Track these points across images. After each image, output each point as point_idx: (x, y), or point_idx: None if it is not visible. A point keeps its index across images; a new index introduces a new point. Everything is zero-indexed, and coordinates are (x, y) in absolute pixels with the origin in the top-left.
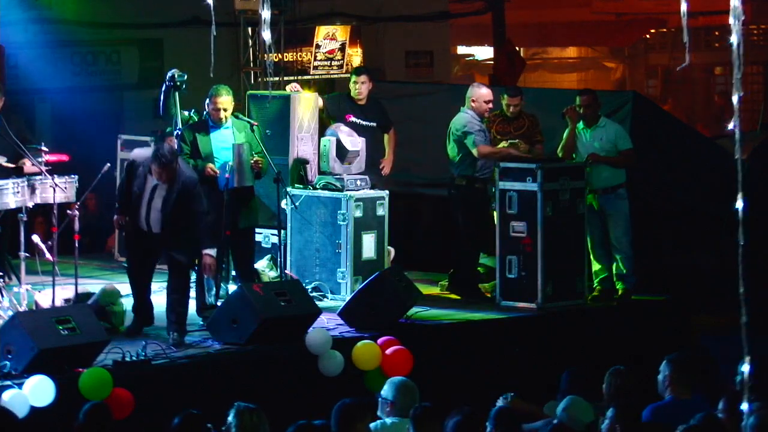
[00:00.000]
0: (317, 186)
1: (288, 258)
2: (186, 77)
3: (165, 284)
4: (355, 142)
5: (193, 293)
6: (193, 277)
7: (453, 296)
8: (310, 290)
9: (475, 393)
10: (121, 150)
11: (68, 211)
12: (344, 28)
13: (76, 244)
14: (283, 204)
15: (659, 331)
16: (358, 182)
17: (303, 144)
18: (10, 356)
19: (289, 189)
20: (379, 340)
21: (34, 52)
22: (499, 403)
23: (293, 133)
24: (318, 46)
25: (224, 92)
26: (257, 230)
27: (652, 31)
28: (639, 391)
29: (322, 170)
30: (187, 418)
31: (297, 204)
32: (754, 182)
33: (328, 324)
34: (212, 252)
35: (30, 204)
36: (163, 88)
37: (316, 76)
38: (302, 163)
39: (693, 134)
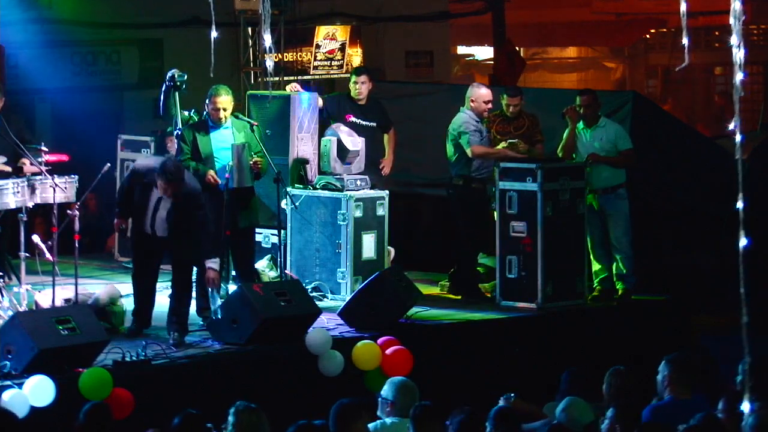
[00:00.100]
0: (317, 186)
1: (288, 258)
2: (186, 77)
3: (167, 284)
4: (355, 142)
5: (193, 293)
6: (194, 277)
7: (453, 296)
8: (310, 290)
9: (475, 393)
10: (121, 150)
11: (68, 211)
12: (344, 28)
13: (76, 244)
14: (283, 204)
15: (659, 331)
16: (358, 182)
17: (303, 144)
18: (10, 356)
19: (289, 189)
20: (379, 340)
21: (34, 52)
22: (500, 403)
23: (293, 133)
24: (318, 46)
25: (223, 92)
26: (257, 230)
27: (652, 31)
28: (639, 391)
29: (322, 170)
30: (187, 418)
31: (297, 204)
32: (754, 182)
33: (328, 324)
34: (215, 265)
35: (30, 204)
36: (163, 88)
37: (316, 76)
38: (302, 163)
39: (693, 134)
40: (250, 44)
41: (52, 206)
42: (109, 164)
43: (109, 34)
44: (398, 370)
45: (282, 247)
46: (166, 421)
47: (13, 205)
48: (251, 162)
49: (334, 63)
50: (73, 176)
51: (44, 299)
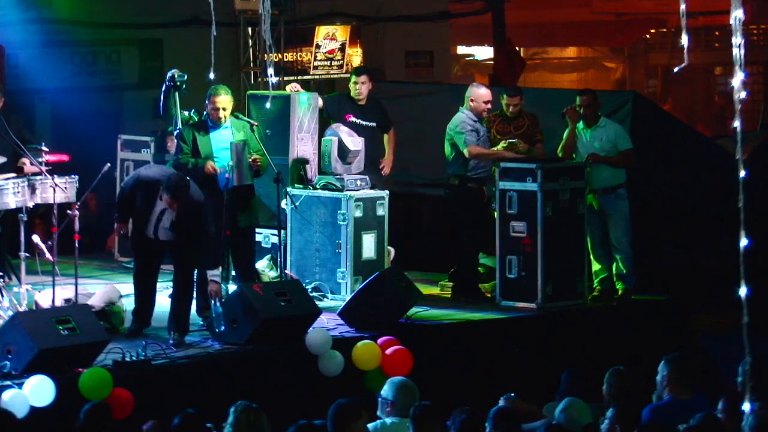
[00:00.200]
0: (317, 186)
1: (288, 258)
2: (186, 77)
3: (168, 284)
4: (356, 142)
5: (193, 293)
6: (195, 277)
7: (453, 298)
8: (310, 290)
9: (475, 393)
10: (121, 150)
11: (68, 211)
12: (344, 28)
13: (76, 244)
14: (283, 204)
15: (659, 331)
16: (358, 182)
17: (303, 144)
18: (10, 356)
19: (289, 189)
20: (379, 340)
21: (34, 52)
22: (501, 403)
23: (293, 133)
24: (318, 46)
25: (223, 92)
26: (257, 230)
27: (652, 31)
28: (639, 391)
29: (323, 170)
30: (186, 418)
31: (297, 204)
32: (754, 182)
33: (328, 324)
34: (217, 277)
35: (30, 204)
36: (163, 88)
37: (316, 76)
38: (302, 163)
39: (693, 134)
40: (250, 44)
41: (52, 206)
42: (109, 164)
43: (109, 34)
44: (398, 370)
45: (282, 247)
46: (166, 421)
47: (13, 205)
48: (250, 160)
49: (334, 63)
50: (73, 176)
51: (44, 299)
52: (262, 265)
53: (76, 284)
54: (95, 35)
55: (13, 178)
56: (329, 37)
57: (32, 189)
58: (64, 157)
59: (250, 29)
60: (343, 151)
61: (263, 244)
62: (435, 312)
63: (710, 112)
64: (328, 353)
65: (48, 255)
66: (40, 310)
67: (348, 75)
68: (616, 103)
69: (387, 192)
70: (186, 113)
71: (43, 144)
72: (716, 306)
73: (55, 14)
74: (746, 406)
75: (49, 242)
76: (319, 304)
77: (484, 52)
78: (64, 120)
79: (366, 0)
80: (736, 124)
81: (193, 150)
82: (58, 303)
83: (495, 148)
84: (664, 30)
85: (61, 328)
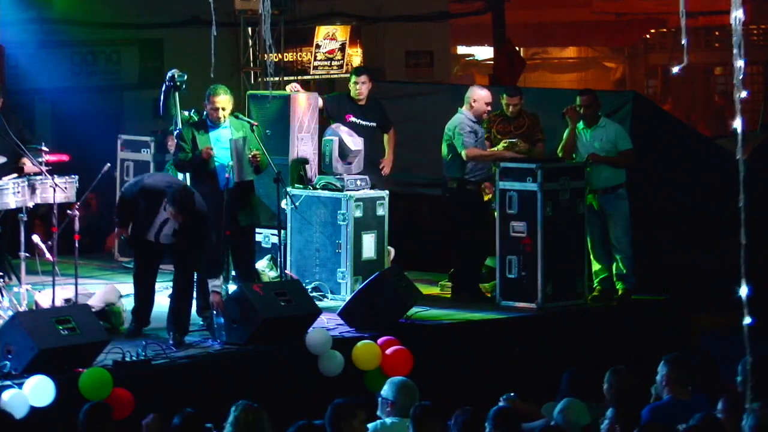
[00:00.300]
0: (317, 186)
1: (288, 258)
2: (186, 77)
3: (167, 284)
4: (356, 142)
5: (193, 293)
6: (195, 277)
7: (453, 296)
8: (310, 290)
9: (475, 393)
10: (121, 150)
11: (68, 211)
12: (344, 28)
13: (76, 244)
14: (283, 204)
15: (659, 331)
16: (358, 182)
17: (303, 144)
18: (10, 356)
19: (289, 189)
20: (379, 340)
21: (34, 52)
22: (500, 403)
23: (293, 133)
24: (318, 46)
25: (222, 92)
26: (257, 230)
27: (652, 31)
28: (639, 391)
29: (322, 170)
30: (186, 418)
31: (297, 204)
32: (754, 182)
33: (328, 324)
34: (219, 288)
35: (30, 204)
36: (163, 88)
37: (316, 76)
38: (302, 163)
39: (693, 134)
40: (250, 44)
41: (52, 206)
42: (109, 164)
43: (109, 34)
44: (398, 370)
45: (282, 247)
46: (166, 421)
47: (13, 205)
48: (250, 156)
49: (334, 63)
50: (73, 176)
51: (44, 299)
52: (262, 265)
53: (76, 284)
54: (95, 35)
55: (14, 178)
56: (329, 37)
57: (32, 189)
58: (64, 157)
59: (250, 29)
60: (344, 151)
61: (263, 244)
62: (435, 312)
63: (710, 112)
64: (328, 353)
65: (48, 255)
66: (40, 310)
67: (348, 75)
68: (616, 103)
69: (387, 192)
70: (186, 113)
71: (43, 144)
72: (716, 306)
73: (55, 14)
74: (746, 406)
75: (49, 242)
76: (319, 304)
77: (484, 52)
78: (64, 120)
79: (366, 0)
80: (737, 124)
81: (193, 149)
82: (58, 303)
83: (495, 148)
84: (664, 30)
85: (61, 328)
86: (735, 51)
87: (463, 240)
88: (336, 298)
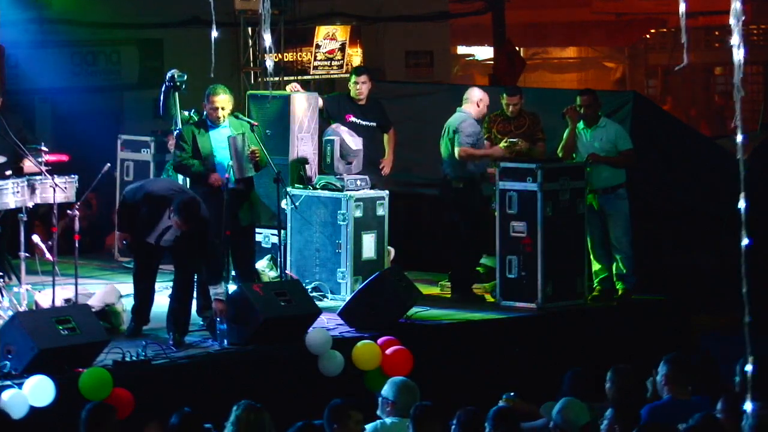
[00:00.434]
0: (317, 186)
1: (288, 258)
2: (186, 77)
3: (167, 284)
4: (357, 142)
5: (193, 293)
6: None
7: (452, 296)
8: (310, 290)
9: (475, 393)
10: (121, 150)
11: (68, 211)
12: (344, 28)
13: (76, 244)
14: (283, 204)
15: (659, 331)
16: (358, 182)
17: (303, 144)
18: (10, 356)
19: (289, 189)
20: (379, 340)
21: (34, 52)
22: (500, 403)
23: (293, 133)
24: (318, 46)
25: (221, 91)
26: (257, 230)
27: (652, 31)
28: (639, 391)
29: (322, 170)
30: (184, 418)
31: (297, 204)
32: (754, 182)
33: (328, 324)
34: (221, 296)
35: (30, 204)
36: (163, 88)
37: (316, 76)
38: (302, 163)
39: (693, 134)
40: (250, 44)
41: (52, 206)
42: (109, 164)
43: (109, 34)
44: (398, 370)
45: (282, 247)
46: (166, 422)
47: (13, 205)
48: (249, 152)
49: (334, 63)
50: (73, 176)
51: (44, 299)
52: (262, 265)
53: (76, 284)
54: (95, 35)
55: (13, 177)
56: (329, 37)
57: (32, 189)
58: (64, 157)
59: (250, 29)
60: (345, 151)
61: (263, 244)
62: (435, 312)
63: (710, 112)
64: (328, 353)
65: (48, 255)
66: (40, 310)
67: (348, 75)
68: (616, 103)
69: (387, 192)
70: (186, 113)
71: (43, 144)
72: (716, 306)
73: (55, 14)
74: (747, 406)
75: (49, 242)
76: (319, 304)
77: (484, 52)
78: (64, 120)
79: (366, 0)
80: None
81: (193, 149)
82: (58, 303)
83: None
84: (664, 30)
85: (61, 328)
86: (734, 49)
87: (463, 240)
88: (336, 298)
